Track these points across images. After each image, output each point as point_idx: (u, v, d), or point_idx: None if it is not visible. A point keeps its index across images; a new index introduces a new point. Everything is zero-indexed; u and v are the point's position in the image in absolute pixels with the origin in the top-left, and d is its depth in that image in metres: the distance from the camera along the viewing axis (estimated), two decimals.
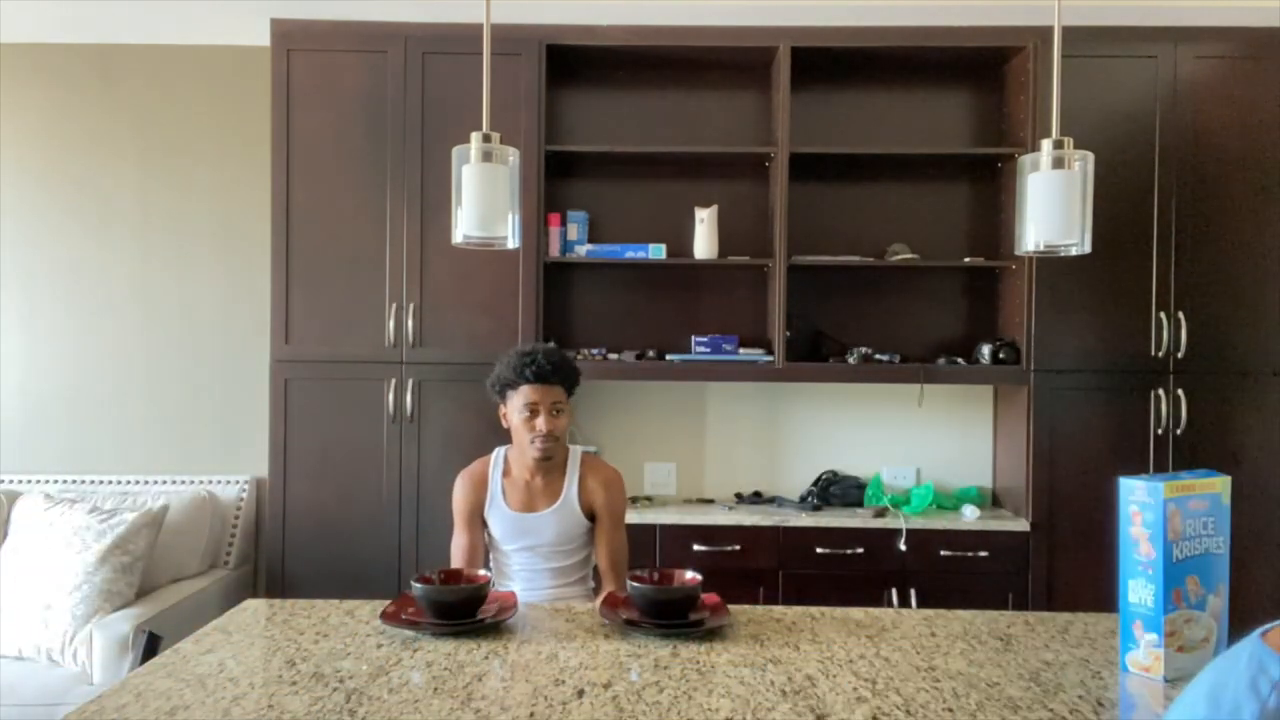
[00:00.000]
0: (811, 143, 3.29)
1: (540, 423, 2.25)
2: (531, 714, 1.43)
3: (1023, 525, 3.10)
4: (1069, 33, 2.66)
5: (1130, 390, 3.12)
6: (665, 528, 3.12)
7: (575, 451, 2.40)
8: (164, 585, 3.05)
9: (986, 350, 3.20)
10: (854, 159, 3.32)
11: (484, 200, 1.90)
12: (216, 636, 1.81)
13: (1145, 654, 1.57)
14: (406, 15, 3.14)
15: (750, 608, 2.02)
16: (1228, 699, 0.76)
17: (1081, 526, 3.09)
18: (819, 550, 3.09)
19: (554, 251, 3.27)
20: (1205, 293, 3.11)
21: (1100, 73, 3.09)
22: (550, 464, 2.32)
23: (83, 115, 3.53)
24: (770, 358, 3.22)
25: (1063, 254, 1.92)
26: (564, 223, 3.33)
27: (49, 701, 2.53)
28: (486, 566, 2.35)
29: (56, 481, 3.38)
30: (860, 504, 3.32)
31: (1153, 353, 3.11)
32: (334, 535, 3.15)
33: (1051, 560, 3.10)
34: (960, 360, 3.26)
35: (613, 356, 3.30)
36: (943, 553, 3.08)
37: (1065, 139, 1.85)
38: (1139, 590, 1.56)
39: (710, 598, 1.97)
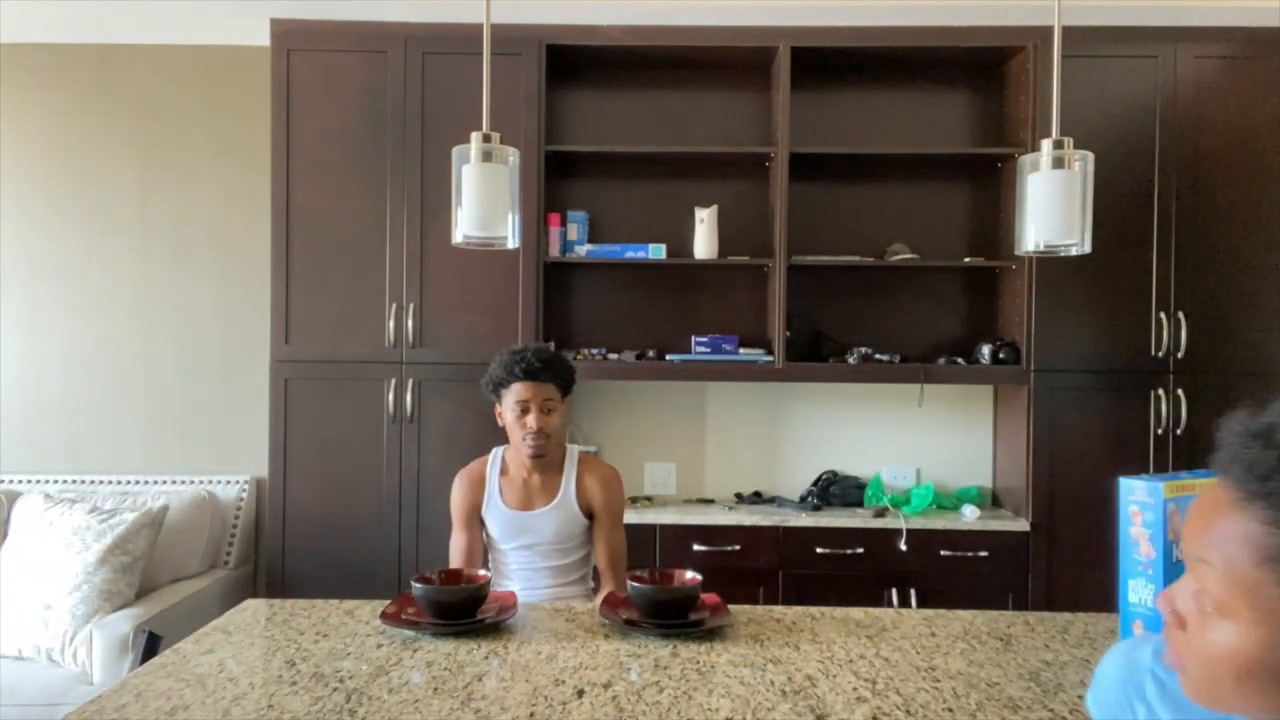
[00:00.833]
0: (811, 143, 3.29)
1: (531, 420, 2.25)
2: (531, 714, 1.43)
3: (1023, 525, 3.10)
4: (1069, 33, 2.67)
5: (1130, 390, 3.12)
6: (665, 528, 3.12)
7: (573, 450, 2.40)
8: (164, 585, 3.05)
9: (986, 350, 3.20)
10: (854, 159, 3.32)
11: (484, 200, 1.90)
12: (216, 636, 1.81)
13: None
14: (406, 15, 3.14)
15: (750, 608, 2.02)
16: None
17: (1081, 526, 3.09)
18: (819, 550, 3.09)
19: (554, 251, 3.27)
20: (1205, 293, 3.11)
21: (1100, 73, 3.09)
22: (546, 462, 2.32)
23: (83, 115, 3.53)
24: (770, 358, 3.22)
25: (1063, 254, 1.92)
26: (564, 223, 3.33)
27: (49, 701, 2.53)
28: (486, 566, 2.35)
29: (56, 481, 3.38)
30: (860, 504, 3.32)
31: (1153, 353, 3.11)
32: (334, 535, 3.15)
33: (1051, 560, 3.09)
34: (960, 360, 3.26)
35: (613, 356, 3.30)
36: (943, 553, 3.08)
37: (1065, 139, 1.85)
38: (1139, 590, 1.56)
39: (710, 598, 1.97)
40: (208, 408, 3.55)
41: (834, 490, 3.36)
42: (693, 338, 3.31)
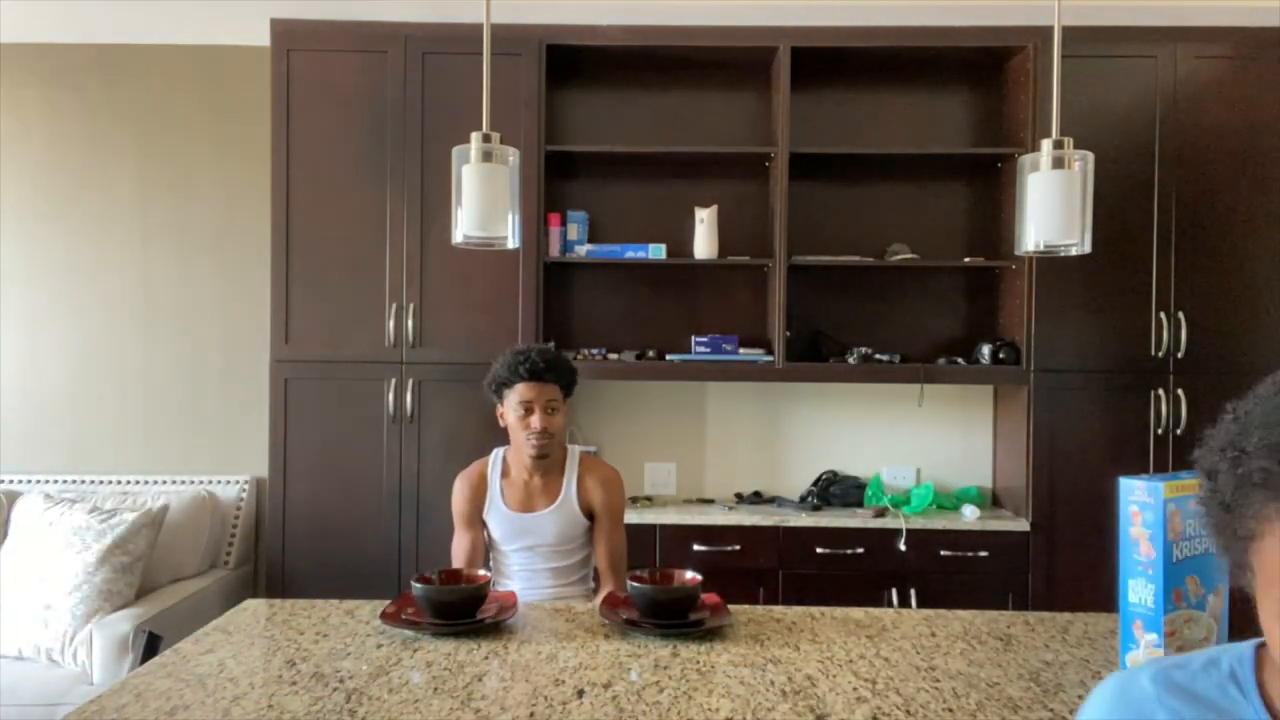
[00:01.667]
0: (811, 143, 3.29)
1: (535, 420, 2.26)
2: (531, 714, 1.43)
3: (1023, 525, 3.10)
4: (1069, 33, 2.67)
5: (1130, 390, 3.12)
6: (665, 528, 3.12)
7: (574, 451, 2.40)
8: (164, 585, 3.05)
9: (986, 350, 3.20)
10: (854, 159, 3.32)
11: (484, 200, 1.90)
12: (216, 636, 1.81)
13: (1145, 654, 1.57)
14: (406, 15, 3.14)
15: (750, 608, 2.02)
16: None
17: (1081, 526, 3.09)
18: (819, 550, 3.09)
19: (554, 251, 3.27)
20: (1205, 293, 3.11)
21: (1100, 73, 3.09)
22: (548, 463, 2.33)
23: (83, 115, 3.53)
24: (770, 358, 3.22)
25: (1063, 254, 1.92)
26: (564, 223, 3.33)
27: (49, 701, 2.53)
28: (487, 566, 2.35)
29: (56, 481, 3.38)
30: (860, 504, 3.32)
31: (1153, 353, 3.11)
32: (334, 535, 3.15)
33: (1051, 560, 3.10)
34: (960, 360, 3.26)
35: (613, 356, 3.30)
36: (943, 553, 3.08)
37: (1065, 139, 1.85)
38: (1139, 590, 1.56)
39: (710, 598, 1.97)
40: (208, 408, 3.55)
41: (834, 490, 3.36)
42: (693, 338, 3.31)
